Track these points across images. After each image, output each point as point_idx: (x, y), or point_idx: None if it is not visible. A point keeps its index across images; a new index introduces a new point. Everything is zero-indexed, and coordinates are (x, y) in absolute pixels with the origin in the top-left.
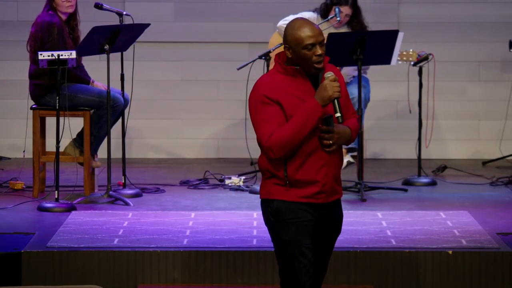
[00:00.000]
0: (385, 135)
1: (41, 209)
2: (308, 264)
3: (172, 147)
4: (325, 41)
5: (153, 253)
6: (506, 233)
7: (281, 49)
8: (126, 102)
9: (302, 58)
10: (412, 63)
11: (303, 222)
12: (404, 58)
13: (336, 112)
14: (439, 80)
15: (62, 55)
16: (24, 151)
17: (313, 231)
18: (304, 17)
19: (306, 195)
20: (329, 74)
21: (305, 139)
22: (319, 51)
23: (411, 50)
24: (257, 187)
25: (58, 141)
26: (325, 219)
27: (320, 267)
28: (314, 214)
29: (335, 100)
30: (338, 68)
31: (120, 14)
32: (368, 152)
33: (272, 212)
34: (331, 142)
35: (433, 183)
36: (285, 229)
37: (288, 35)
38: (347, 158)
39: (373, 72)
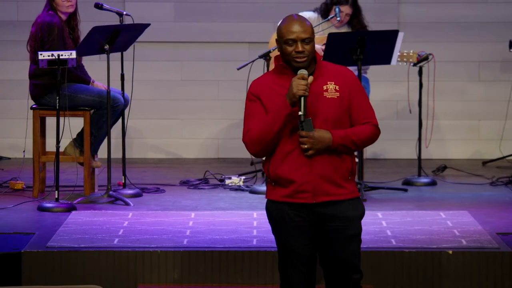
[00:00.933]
0: (385, 135)
1: (41, 209)
2: (299, 264)
3: (172, 147)
4: (309, 39)
5: (153, 253)
6: (506, 233)
7: None
8: (126, 102)
9: (284, 52)
10: (412, 64)
11: (290, 222)
12: (404, 59)
13: (299, 110)
14: (439, 80)
15: (62, 55)
16: (24, 151)
17: (307, 232)
18: (306, 17)
19: (286, 194)
20: (301, 71)
21: (280, 137)
22: (299, 47)
23: (411, 51)
24: (257, 187)
25: (58, 141)
26: (322, 220)
27: (340, 269)
28: (302, 215)
29: (302, 98)
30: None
31: (120, 14)
32: (368, 152)
33: (266, 212)
34: (306, 146)
35: (433, 183)
36: (275, 228)
37: (278, 29)
38: None
39: (373, 72)
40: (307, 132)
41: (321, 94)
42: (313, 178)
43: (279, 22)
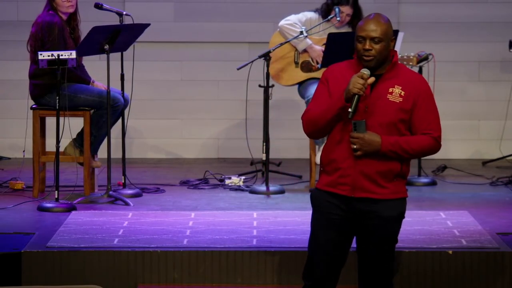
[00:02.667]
0: None
1: (41, 209)
2: (325, 257)
3: (172, 147)
4: (380, 39)
5: (153, 253)
6: (506, 233)
7: (282, 49)
8: (126, 102)
9: (356, 48)
10: (412, 66)
11: (325, 213)
12: (405, 62)
13: (350, 107)
14: (439, 80)
15: (62, 55)
16: (24, 151)
17: (340, 225)
18: (307, 17)
19: (329, 182)
20: (362, 70)
21: (332, 126)
22: (366, 45)
23: (411, 55)
24: (257, 187)
25: (58, 141)
26: (358, 217)
27: (368, 268)
28: (340, 207)
29: (355, 96)
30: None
31: (120, 14)
32: None
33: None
34: (355, 146)
35: (433, 183)
36: (312, 215)
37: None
38: None
39: None
40: (358, 134)
41: (384, 95)
42: (354, 172)
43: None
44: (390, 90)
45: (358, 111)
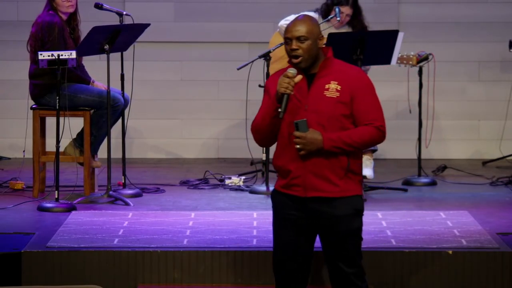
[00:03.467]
0: None
1: (41, 209)
2: (287, 256)
3: (172, 147)
4: (305, 38)
5: (153, 253)
6: (506, 233)
7: (282, 49)
8: (126, 102)
9: (286, 51)
10: (412, 66)
11: (282, 214)
12: (404, 62)
13: (280, 107)
14: (439, 80)
15: (62, 55)
16: (24, 151)
17: (298, 225)
18: None
19: (283, 184)
20: (289, 70)
21: (276, 129)
22: (293, 45)
23: (411, 54)
24: (257, 187)
25: (58, 141)
26: (315, 217)
27: (334, 267)
28: (295, 207)
29: (284, 96)
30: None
31: (120, 14)
32: None
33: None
34: (298, 146)
35: (433, 183)
36: (272, 217)
37: None
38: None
39: (373, 72)
40: (300, 133)
41: (321, 92)
42: (304, 173)
43: None
44: (327, 86)
45: (299, 111)
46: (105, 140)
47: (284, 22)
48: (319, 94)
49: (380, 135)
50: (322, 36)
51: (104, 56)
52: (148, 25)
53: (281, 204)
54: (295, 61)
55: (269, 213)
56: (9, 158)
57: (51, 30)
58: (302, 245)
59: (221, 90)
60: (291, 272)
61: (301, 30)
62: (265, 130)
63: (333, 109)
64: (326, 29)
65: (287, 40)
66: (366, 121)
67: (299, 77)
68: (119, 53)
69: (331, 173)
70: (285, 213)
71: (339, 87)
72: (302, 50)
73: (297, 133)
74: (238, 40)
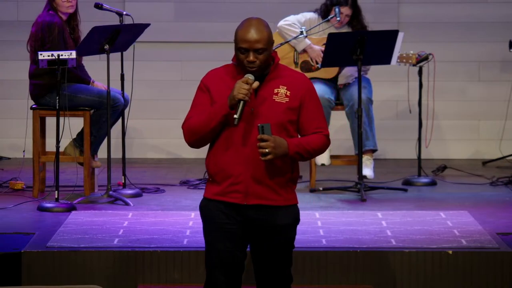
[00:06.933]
0: (385, 135)
1: (41, 209)
2: (224, 266)
3: (172, 147)
4: (263, 49)
5: (153, 253)
6: (506, 233)
7: (281, 49)
8: (126, 102)
9: (237, 57)
10: (411, 65)
11: (218, 223)
12: (404, 61)
13: (235, 113)
14: (439, 80)
15: (62, 55)
16: (24, 151)
17: (235, 234)
18: (306, 17)
19: (219, 192)
20: (247, 75)
21: (216, 134)
22: (250, 57)
23: (411, 53)
24: None
25: (58, 141)
26: (252, 225)
27: (265, 276)
28: (231, 215)
29: (240, 102)
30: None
31: (120, 14)
32: None
33: (199, 209)
34: (267, 150)
35: (433, 183)
36: (204, 227)
37: (235, 30)
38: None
39: (373, 72)
40: (269, 136)
41: (270, 97)
42: (246, 179)
43: (239, 24)
44: (275, 91)
45: (243, 115)
46: (105, 140)
47: (282, 23)
48: (267, 99)
49: (327, 144)
50: (273, 40)
51: (104, 56)
52: (148, 25)
53: (216, 213)
54: (251, 70)
55: None
56: (9, 158)
57: (51, 30)
58: (239, 253)
59: None
60: (229, 281)
61: (261, 42)
62: (206, 133)
63: (282, 115)
64: (326, 29)
65: (243, 50)
66: (314, 129)
67: (256, 83)
68: (119, 53)
69: (274, 181)
70: (221, 222)
71: (288, 92)
72: (260, 61)
73: (265, 136)
74: None
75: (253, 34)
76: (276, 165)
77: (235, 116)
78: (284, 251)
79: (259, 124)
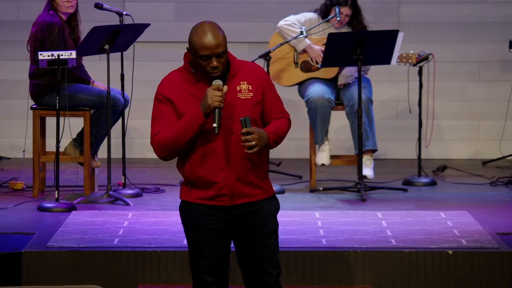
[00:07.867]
0: (385, 135)
1: (41, 209)
2: (211, 267)
3: None
4: (223, 52)
5: (153, 253)
6: (506, 233)
7: (281, 49)
8: (126, 102)
9: (198, 65)
10: (411, 65)
11: (204, 226)
12: (404, 60)
13: (214, 122)
14: (439, 80)
15: (62, 55)
16: (24, 151)
17: (221, 235)
18: (306, 17)
19: (206, 197)
20: (215, 82)
21: (190, 144)
22: (214, 63)
23: (411, 53)
24: None
25: (58, 141)
26: (238, 220)
27: (259, 265)
28: (218, 217)
29: (216, 110)
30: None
31: (120, 14)
32: None
33: (179, 212)
34: (253, 143)
35: (433, 183)
36: (188, 230)
37: (189, 38)
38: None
39: (373, 72)
40: (253, 129)
41: (235, 95)
42: (230, 182)
43: (191, 30)
44: (238, 88)
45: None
46: (105, 140)
47: (282, 23)
48: (233, 98)
49: (290, 126)
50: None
51: (104, 56)
52: (148, 25)
53: (199, 214)
54: (215, 75)
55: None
56: (9, 158)
57: (51, 30)
58: (225, 251)
59: None
60: (217, 281)
61: (220, 46)
62: (181, 145)
63: (251, 110)
64: (326, 29)
65: (204, 57)
66: (277, 115)
67: (226, 87)
68: (119, 53)
69: (255, 176)
70: (205, 223)
71: (250, 87)
72: (221, 64)
73: (250, 129)
74: (238, 40)
75: (211, 39)
76: (254, 161)
77: (214, 125)
78: (272, 239)
79: (241, 118)
